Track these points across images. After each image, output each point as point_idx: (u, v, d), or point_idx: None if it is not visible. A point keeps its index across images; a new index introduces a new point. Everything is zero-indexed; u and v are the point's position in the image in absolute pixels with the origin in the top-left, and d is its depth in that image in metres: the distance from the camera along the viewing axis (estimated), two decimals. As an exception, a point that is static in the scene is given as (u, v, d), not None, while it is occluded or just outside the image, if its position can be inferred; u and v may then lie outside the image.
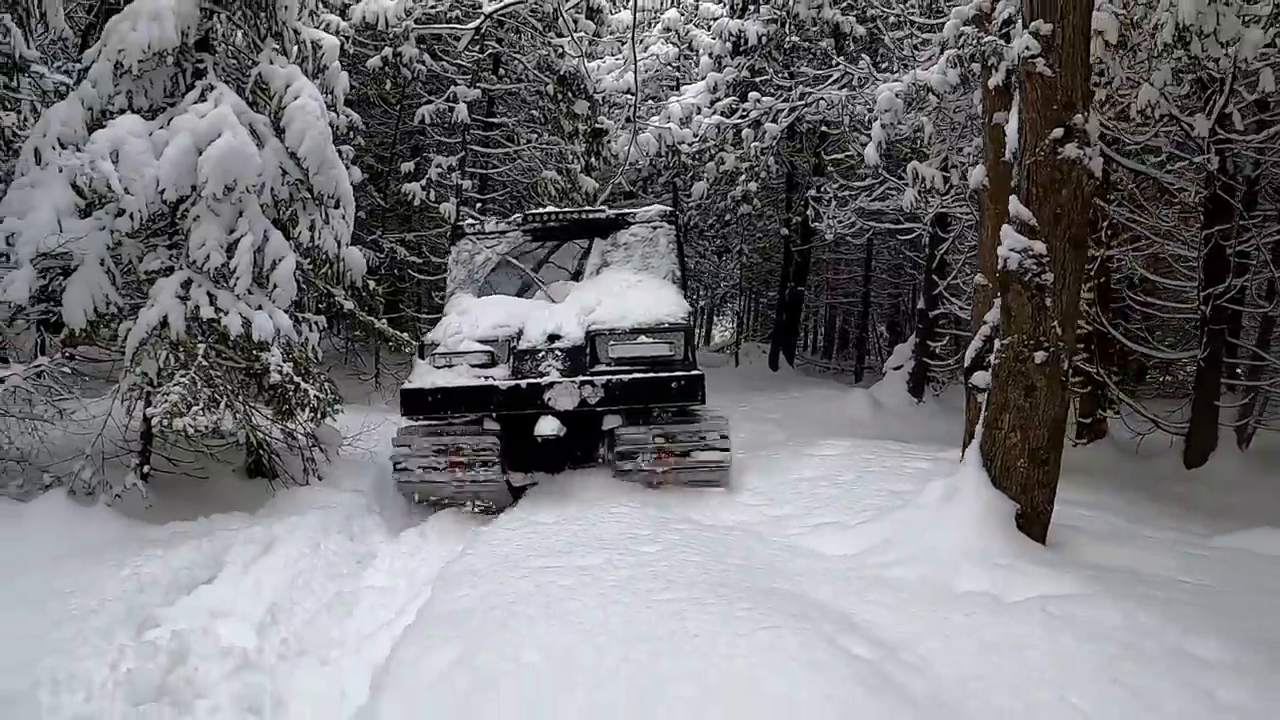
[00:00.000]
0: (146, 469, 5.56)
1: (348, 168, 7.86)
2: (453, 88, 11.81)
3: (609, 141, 13.47)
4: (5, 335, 6.07)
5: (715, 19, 15.15)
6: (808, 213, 12.80)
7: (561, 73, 12.49)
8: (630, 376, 5.65)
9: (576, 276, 6.75)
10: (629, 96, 15.03)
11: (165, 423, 4.93)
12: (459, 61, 12.42)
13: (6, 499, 4.80)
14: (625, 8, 17.00)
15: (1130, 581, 3.47)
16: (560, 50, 12.44)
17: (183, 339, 5.41)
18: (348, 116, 10.05)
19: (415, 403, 5.83)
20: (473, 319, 6.16)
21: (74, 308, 5.20)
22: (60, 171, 5.40)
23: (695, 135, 13.05)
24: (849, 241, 14.52)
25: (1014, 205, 4.12)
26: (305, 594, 4.03)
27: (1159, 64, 6.24)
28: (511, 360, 5.92)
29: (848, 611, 3.07)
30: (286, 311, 5.99)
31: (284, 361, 5.68)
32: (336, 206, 6.61)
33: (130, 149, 5.33)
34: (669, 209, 7.10)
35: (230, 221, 5.85)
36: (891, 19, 9.11)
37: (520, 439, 5.80)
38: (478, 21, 8.13)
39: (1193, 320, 8.88)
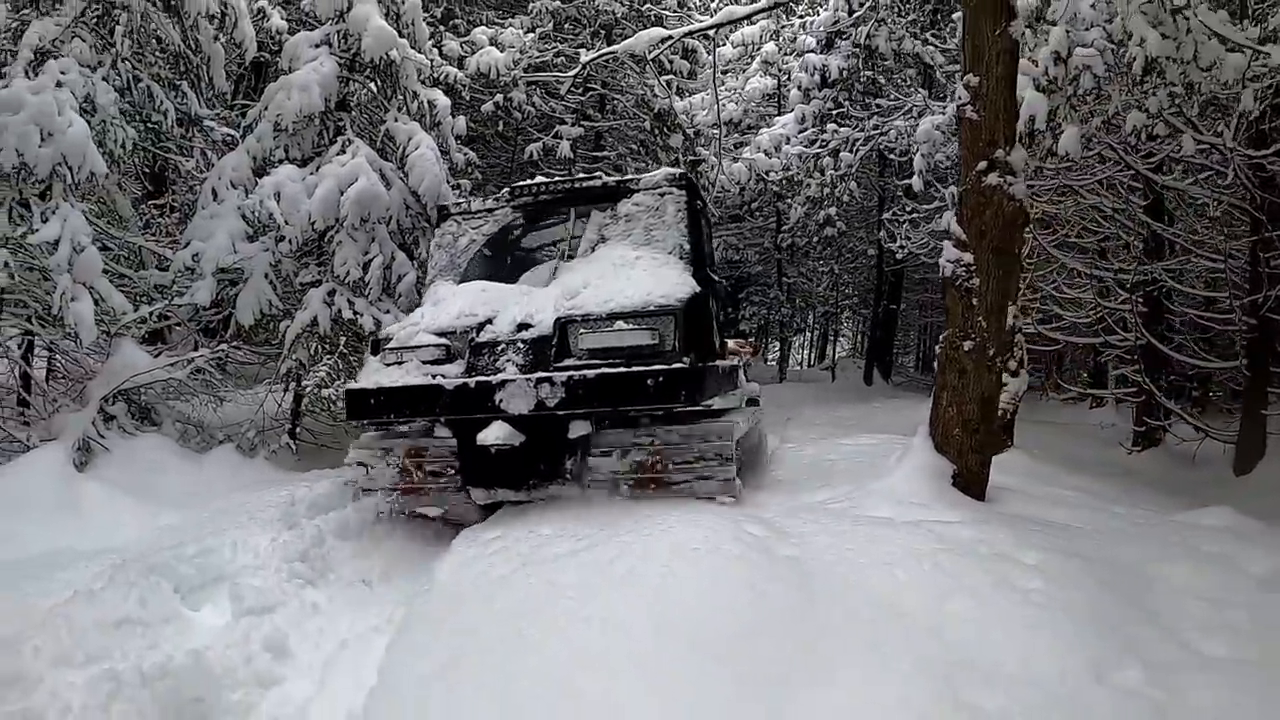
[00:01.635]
0: (296, 432, 7.20)
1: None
2: (558, 126, 13.38)
3: (705, 171, 14.78)
4: (186, 328, 7.89)
5: (808, 51, 16.25)
6: (880, 234, 13.67)
7: (657, 110, 13.88)
8: (597, 372, 4.58)
9: (570, 256, 5.70)
10: (724, 127, 16.32)
11: (315, 393, 6.54)
12: (567, 101, 13.99)
13: (190, 450, 6.47)
14: (726, 43, 18.30)
15: (1018, 521, 4.38)
16: (655, 90, 13.85)
17: (327, 334, 7.06)
18: (465, 154, 11.70)
19: (357, 405, 5.09)
20: (441, 309, 5.40)
21: (245, 310, 6.88)
22: (236, 206, 7.12)
23: (782, 164, 14.16)
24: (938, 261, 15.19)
25: (952, 225, 5.10)
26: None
27: (1154, 90, 6.96)
28: (468, 355, 5.00)
29: (777, 524, 4.16)
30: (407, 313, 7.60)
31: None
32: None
33: (288, 190, 7.01)
34: (679, 172, 5.93)
35: (365, 245, 7.47)
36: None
37: (477, 449, 4.86)
38: (576, 70, 9.62)
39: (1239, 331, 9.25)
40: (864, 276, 20.84)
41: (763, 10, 10.23)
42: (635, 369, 4.54)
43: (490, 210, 6.21)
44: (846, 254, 18.93)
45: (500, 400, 4.70)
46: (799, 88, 15.32)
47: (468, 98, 12.61)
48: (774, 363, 23.12)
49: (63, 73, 6.68)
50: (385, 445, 5.22)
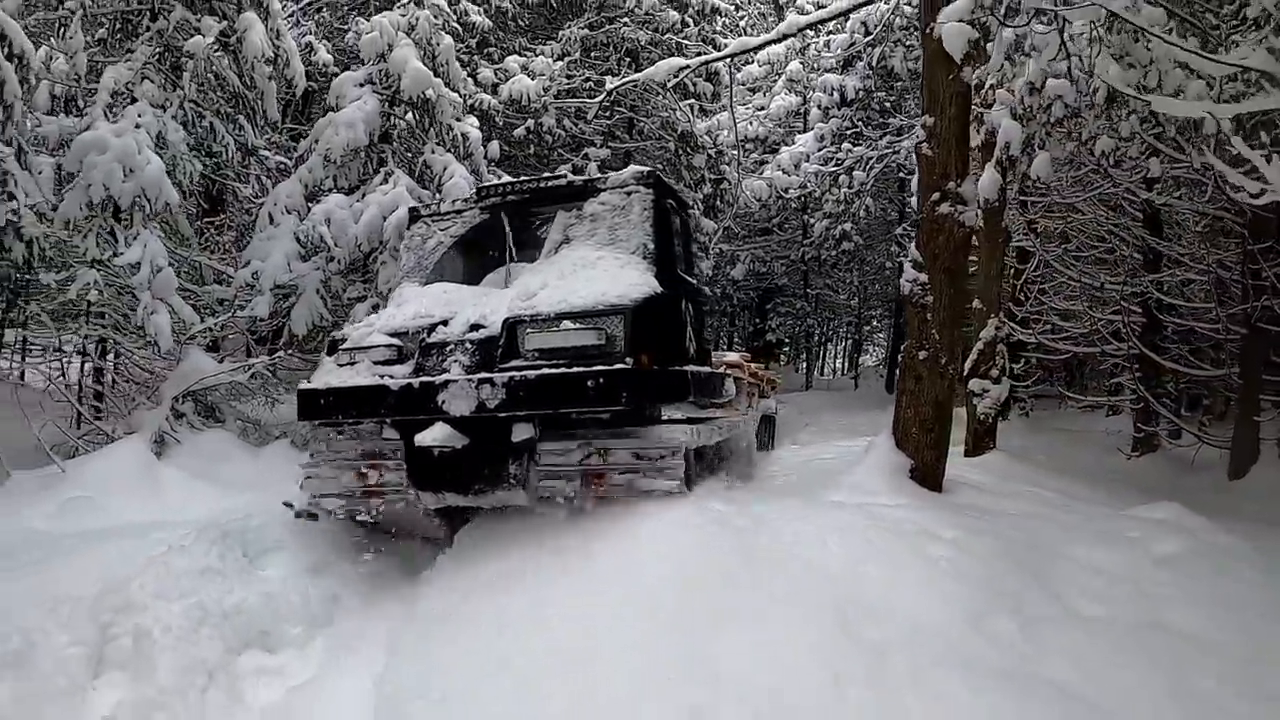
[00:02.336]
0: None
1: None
2: (587, 149, 14.22)
3: (728, 188, 15.53)
4: (242, 336, 8.87)
5: (828, 71, 16.93)
6: (892, 249, 14.30)
7: (680, 131, 14.65)
8: (537, 373, 4.50)
9: (532, 257, 5.62)
10: (748, 145, 17.05)
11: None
12: (595, 124, 14.83)
13: (249, 444, 7.39)
14: (753, 61, 19.02)
15: (957, 508, 5.03)
16: (678, 113, 14.64)
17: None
18: (497, 176, 12.59)
19: (308, 406, 5.11)
20: (401, 310, 5.41)
21: (298, 321, 7.78)
22: (291, 230, 8.04)
23: (800, 182, 14.86)
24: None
25: (911, 249, 5.77)
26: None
27: (1125, 116, 7.52)
28: (418, 355, 4.97)
29: (741, 504, 4.84)
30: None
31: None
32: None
33: (337, 216, 7.91)
34: (646, 170, 5.81)
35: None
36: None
37: (421, 451, 4.82)
38: (602, 96, 10.43)
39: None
40: (888, 288, 21.39)
41: (772, 42, 10.95)
42: (574, 369, 4.42)
43: (459, 212, 6.18)
44: (869, 267, 19.51)
45: (443, 401, 4.62)
46: (819, 106, 16.00)
47: (501, 122, 13.51)
48: (802, 371, 23.71)
49: (139, 115, 7.63)
50: (339, 448, 5.23)
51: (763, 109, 19.12)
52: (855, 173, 13.45)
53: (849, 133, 14.51)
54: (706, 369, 6.14)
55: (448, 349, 4.88)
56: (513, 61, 13.93)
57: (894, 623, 3.42)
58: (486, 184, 6.39)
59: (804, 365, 24.13)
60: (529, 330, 4.69)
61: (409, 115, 8.94)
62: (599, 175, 6.03)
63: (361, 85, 8.87)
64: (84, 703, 3.21)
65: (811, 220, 16.17)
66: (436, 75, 8.89)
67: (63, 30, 8.48)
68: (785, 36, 11.00)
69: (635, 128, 15.33)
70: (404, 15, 9.54)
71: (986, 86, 7.68)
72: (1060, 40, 4.83)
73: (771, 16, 21.87)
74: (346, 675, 3.79)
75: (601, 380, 4.35)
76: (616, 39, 14.83)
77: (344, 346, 5.22)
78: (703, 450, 5.43)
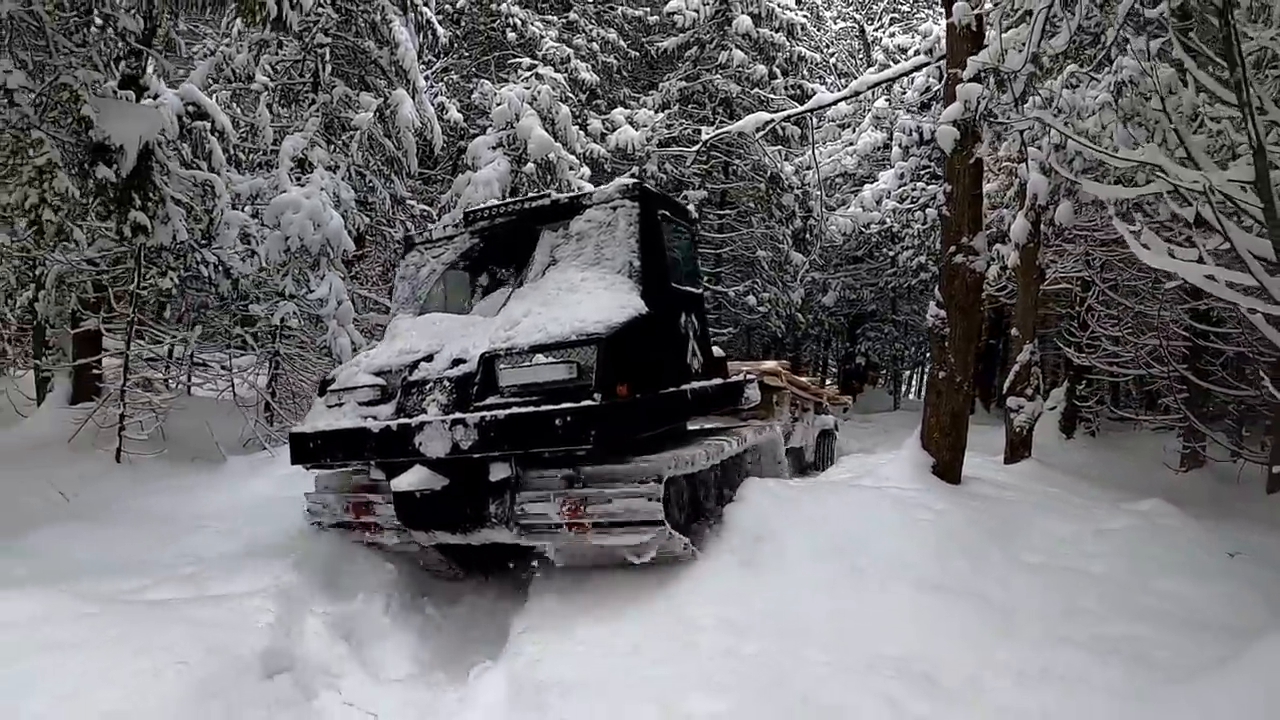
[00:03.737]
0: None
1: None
2: (686, 191, 15.92)
3: (815, 223, 17.00)
4: None
5: (908, 111, 18.20)
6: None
7: (770, 174, 16.20)
8: (506, 413, 4.36)
9: (522, 281, 5.41)
10: (839, 179, 18.47)
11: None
12: (694, 168, 16.53)
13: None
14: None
15: (958, 493, 6.41)
16: (766, 158, 16.21)
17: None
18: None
19: (299, 450, 5.14)
20: (390, 345, 5.35)
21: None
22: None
23: (879, 219, 16.18)
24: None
25: (937, 290, 7.17)
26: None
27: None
28: (399, 394, 4.89)
29: (796, 487, 6.33)
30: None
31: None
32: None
33: (475, 259, 9.76)
34: (632, 182, 5.53)
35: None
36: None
37: (404, 492, 4.75)
38: (698, 146, 12.15)
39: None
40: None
41: (844, 99, 12.42)
42: (542, 409, 4.27)
43: (450, 238, 6.03)
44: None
45: (419, 443, 4.58)
46: (899, 145, 17.28)
47: (609, 169, 15.33)
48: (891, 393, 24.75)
49: (321, 179, 9.70)
50: (333, 482, 5.44)
51: (852, 144, 20.46)
52: (929, 209, 14.66)
53: (923, 171, 15.74)
54: (716, 380, 6.12)
55: (427, 387, 4.81)
56: (619, 114, 15.77)
57: (877, 556, 4.89)
58: (474, 207, 6.20)
59: (892, 387, 25.11)
60: (503, 366, 4.56)
61: (535, 171, 10.82)
62: (585, 191, 5.86)
63: (494, 149, 10.79)
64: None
65: (892, 252, 17.41)
66: (555, 139, 10.74)
67: (254, 106, 10.77)
68: (856, 94, 12.53)
69: (730, 170, 16.96)
70: (527, 88, 11.46)
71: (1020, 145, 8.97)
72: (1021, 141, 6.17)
73: (860, 54, 23.23)
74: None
75: (569, 419, 4.20)
76: (711, 89, 16.53)
77: (332, 388, 5.22)
78: (697, 476, 5.39)
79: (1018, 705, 3.41)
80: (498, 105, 11.16)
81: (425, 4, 12.27)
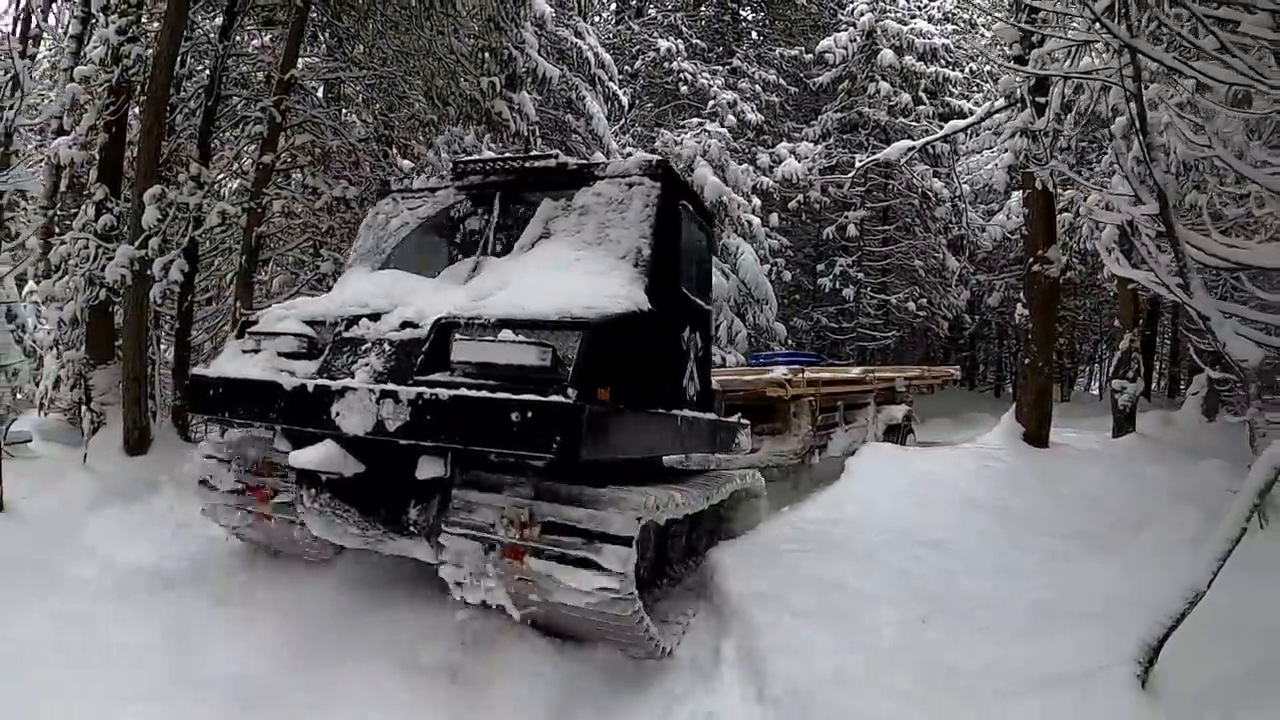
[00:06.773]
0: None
1: (779, 274, 14.74)
2: (846, 213, 18.00)
3: (966, 233, 18.57)
4: None
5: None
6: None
7: (922, 190, 17.97)
8: (451, 394, 3.47)
9: (504, 250, 4.68)
10: (994, 190, 19.90)
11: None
12: (852, 190, 18.58)
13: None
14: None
15: (1038, 454, 8.35)
16: (918, 177, 17.99)
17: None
18: (778, 240, 16.80)
19: (197, 395, 4.31)
20: (335, 297, 4.60)
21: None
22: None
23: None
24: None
25: (1024, 294, 9.07)
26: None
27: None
28: (328, 351, 4.08)
29: (913, 450, 8.49)
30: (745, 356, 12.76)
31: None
32: (765, 303, 13.30)
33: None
34: (656, 159, 4.78)
35: (715, 315, 12.87)
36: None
37: (307, 472, 3.99)
38: (852, 174, 14.39)
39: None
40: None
41: (978, 122, 14.16)
42: (497, 395, 3.38)
43: (432, 190, 5.29)
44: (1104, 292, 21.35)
45: (336, 413, 3.71)
46: (1045, 155, 18.49)
47: (777, 198, 17.66)
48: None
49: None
50: (226, 456, 4.61)
51: (1006, 150, 21.66)
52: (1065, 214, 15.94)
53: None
54: (710, 416, 5.37)
55: (363, 348, 3.98)
56: (783, 148, 18.05)
57: (943, 487, 7.02)
58: (465, 158, 5.47)
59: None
60: (460, 336, 3.68)
61: (717, 214, 13.36)
62: (600, 161, 5.19)
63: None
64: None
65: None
66: (726, 184, 13.26)
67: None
68: (989, 115, 14.34)
69: (887, 188, 18.86)
70: (697, 140, 14.05)
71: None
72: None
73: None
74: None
75: (530, 414, 3.29)
76: (865, 118, 18.53)
77: (252, 330, 4.35)
78: (669, 528, 4.74)
79: (1001, 560, 5.54)
80: (677, 151, 13.80)
81: (610, 79, 15.15)
